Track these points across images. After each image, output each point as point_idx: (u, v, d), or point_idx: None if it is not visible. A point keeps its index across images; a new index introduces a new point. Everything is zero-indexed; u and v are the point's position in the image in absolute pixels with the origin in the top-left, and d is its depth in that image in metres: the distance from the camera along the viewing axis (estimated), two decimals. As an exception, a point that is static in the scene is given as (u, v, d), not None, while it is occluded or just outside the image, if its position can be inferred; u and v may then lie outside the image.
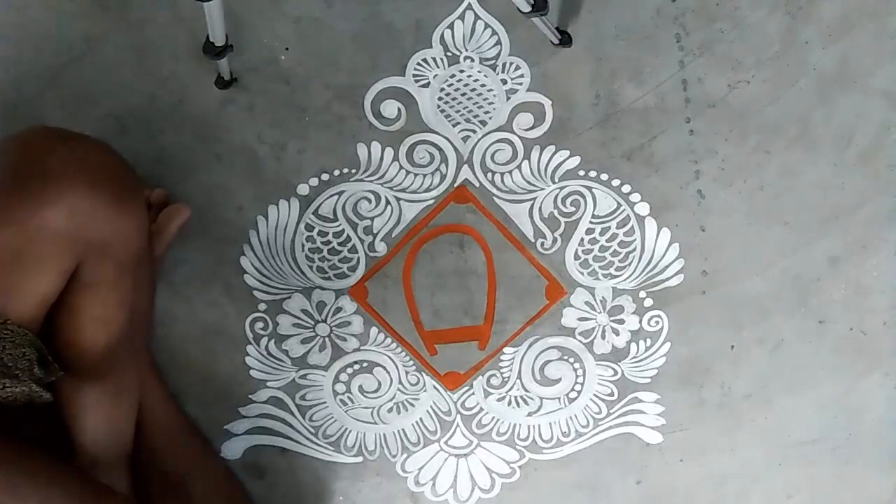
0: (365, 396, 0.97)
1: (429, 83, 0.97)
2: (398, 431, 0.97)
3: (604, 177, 0.97)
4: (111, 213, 0.76)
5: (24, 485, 0.71)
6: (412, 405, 0.97)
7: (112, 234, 0.77)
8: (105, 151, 0.81)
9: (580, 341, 0.97)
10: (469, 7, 0.97)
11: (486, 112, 0.97)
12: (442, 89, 0.97)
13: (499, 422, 0.97)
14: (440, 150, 0.97)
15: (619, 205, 0.97)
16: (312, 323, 0.97)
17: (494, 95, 0.97)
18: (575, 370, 0.97)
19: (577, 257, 0.97)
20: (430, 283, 0.97)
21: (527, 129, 0.97)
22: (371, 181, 0.97)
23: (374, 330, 0.97)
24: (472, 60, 0.97)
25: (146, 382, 0.90)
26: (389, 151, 0.97)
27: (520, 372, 0.97)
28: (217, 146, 0.96)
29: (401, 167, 0.97)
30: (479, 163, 0.97)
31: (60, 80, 0.95)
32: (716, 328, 0.97)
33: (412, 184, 0.97)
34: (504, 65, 0.97)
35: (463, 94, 0.97)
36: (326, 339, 0.97)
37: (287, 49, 0.97)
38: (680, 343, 0.97)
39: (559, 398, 0.97)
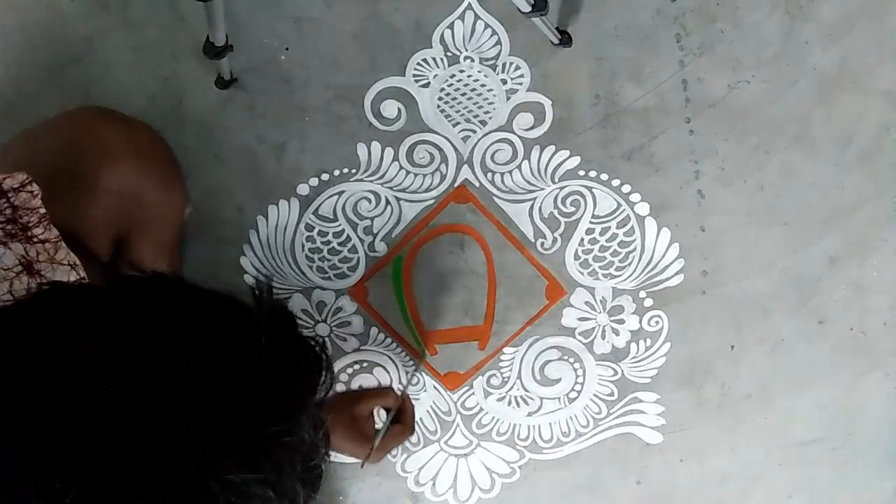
0: (365, 396, 0.97)
1: (429, 83, 0.97)
2: (398, 431, 0.97)
3: (604, 177, 0.97)
4: (156, 193, 0.78)
5: None
6: (412, 405, 0.97)
7: (154, 213, 0.78)
8: (153, 133, 0.83)
9: (580, 341, 0.97)
10: (469, 7, 0.97)
11: (486, 112, 0.97)
12: (442, 89, 0.97)
13: (499, 422, 0.97)
14: (440, 150, 0.97)
15: (619, 205, 0.97)
16: (312, 323, 0.97)
17: (494, 95, 0.97)
18: (575, 370, 0.97)
19: (577, 257, 0.97)
20: (430, 283, 0.97)
21: (527, 129, 0.97)
22: (371, 181, 0.97)
23: (374, 330, 0.97)
24: (472, 60, 0.97)
25: None
26: (389, 151, 0.97)
27: (520, 372, 0.97)
28: (217, 146, 0.96)
29: (401, 167, 0.97)
30: (479, 163, 0.97)
31: (60, 80, 0.95)
32: (716, 328, 0.97)
33: (412, 184, 0.97)
34: (504, 65, 0.97)
35: (463, 94, 0.97)
36: (326, 339, 0.97)
37: (287, 49, 0.97)
38: (680, 343, 0.97)
39: (559, 398, 0.97)
